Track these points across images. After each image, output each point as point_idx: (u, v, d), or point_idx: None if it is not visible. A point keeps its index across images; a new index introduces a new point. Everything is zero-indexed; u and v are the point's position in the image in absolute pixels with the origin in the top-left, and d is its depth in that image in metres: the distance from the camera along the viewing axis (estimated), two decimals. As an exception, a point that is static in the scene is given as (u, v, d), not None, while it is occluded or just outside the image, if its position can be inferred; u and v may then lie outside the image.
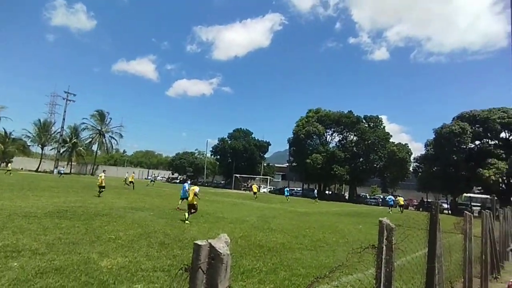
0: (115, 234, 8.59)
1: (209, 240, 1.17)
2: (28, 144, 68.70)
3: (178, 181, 62.44)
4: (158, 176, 75.06)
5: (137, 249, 7.20)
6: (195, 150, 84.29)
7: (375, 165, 54.52)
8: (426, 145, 51.14)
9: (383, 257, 2.93)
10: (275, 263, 7.16)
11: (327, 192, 61.45)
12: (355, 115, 58.09)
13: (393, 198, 35.69)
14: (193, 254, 1.17)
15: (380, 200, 50.41)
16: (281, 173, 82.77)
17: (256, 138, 73.57)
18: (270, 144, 73.53)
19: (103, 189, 19.76)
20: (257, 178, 67.65)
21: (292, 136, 61.27)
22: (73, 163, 69.98)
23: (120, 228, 9.46)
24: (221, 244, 1.16)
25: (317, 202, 39.72)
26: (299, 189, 64.71)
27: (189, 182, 16.59)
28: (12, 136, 64.57)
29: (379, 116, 59.15)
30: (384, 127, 58.43)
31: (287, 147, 66.16)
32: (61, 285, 4.66)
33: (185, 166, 75.46)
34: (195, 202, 12.20)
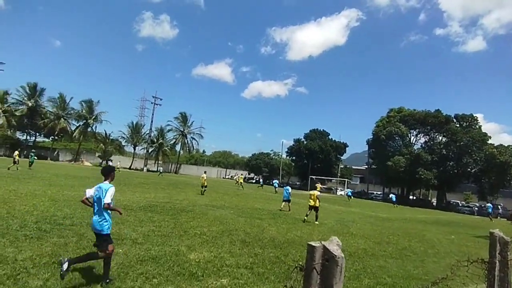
0: (200, 229, 9.12)
1: (323, 242, 1.14)
2: (123, 144, 77.52)
3: (254, 181, 64.00)
4: (235, 175, 77.82)
5: (220, 245, 7.54)
6: (271, 150, 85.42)
7: (469, 169, 48.99)
8: (534, 147, 44.31)
9: (496, 273, 2.59)
10: (358, 269, 6.86)
11: (411, 197, 57.09)
12: (444, 114, 52.95)
13: (491, 206, 31.98)
14: (307, 255, 1.16)
15: (476, 208, 44.84)
16: (359, 175, 79.31)
17: (333, 139, 71.77)
18: (347, 145, 71.09)
19: (206, 188, 22.68)
20: (333, 180, 65.86)
21: (372, 137, 58.36)
22: (159, 162, 76.47)
23: (203, 224, 10.02)
24: (335, 246, 1.13)
25: (396, 207, 37.28)
26: (379, 192, 61.27)
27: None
28: (111, 137, 73.34)
29: (474, 115, 52.94)
30: (480, 126, 52.14)
31: (366, 148, 63.27)
32: (158, 272, 5.10)
33: (261, 167, 76.84)
34: (317, 205, 14.14)
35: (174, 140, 75.84)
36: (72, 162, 62.71)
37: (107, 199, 4.78)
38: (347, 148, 71.34)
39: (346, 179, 63.43)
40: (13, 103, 62.03)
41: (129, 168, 67.21)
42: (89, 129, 67.63)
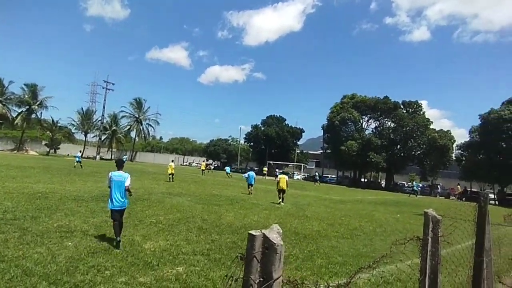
0: (156, 218, 8.98)
1: (263, 231, 1.18)
2: (73, 131, 72.94)
3: (212, 167, 63.60)
4: (193, 162, 76.98)
5: (177, 233, 7.50)
6: (229, 137, 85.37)
7: (413, 152, 52.48)
8: (470, 132, 48.47)
9: (429, 249, 2.84)
10: (311, 250, 7.17)
11: (362, 179, 60.16)
12: (392, 100, 55.88)
13: (419, 185, 36.54)
14: (247, 244, 1.19)
15: (419, 188, 48.54)
16: (315, 160, 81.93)
17: (290, 125, 73.20)
18: (303, 131, 72.87)
19: (173, 176, 23.72)
20: (290, 165, 67.44)
21: (327, 122, 60.15)
22: (113, 150, 73.31)
23: (160, 213, 9.87)
24: (274, 234, 1.17)
25: (319, 185, 42.44)
26: (333, 176, 63.82)
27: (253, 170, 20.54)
28: (59, 124, 68.47)
29: (419, 102, 56.41)
30: (424, 112, 55.73)
31: (321, 133, 65.22)
32: (110, 264, 4.97)
33: (219, 153, 76.73)
34: (284, 187, 15.71)
35: (129, 126, 72.96)
36: (15, 151, 58.12)
37: (128, 183, 6.45)
38: (303, 134, 73.29)
39: (302, 164, 65.27)
40: None
41: (80, 157, 63.74)
42: (33, 116, 62.63)
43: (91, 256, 5.27)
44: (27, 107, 60.84)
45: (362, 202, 22.71)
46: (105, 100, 66.39)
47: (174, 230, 7.77)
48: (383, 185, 57.75)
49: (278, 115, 75.16)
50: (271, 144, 68.58)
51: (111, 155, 70.57)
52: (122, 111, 71.67)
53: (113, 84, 67.58)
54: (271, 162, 61.63)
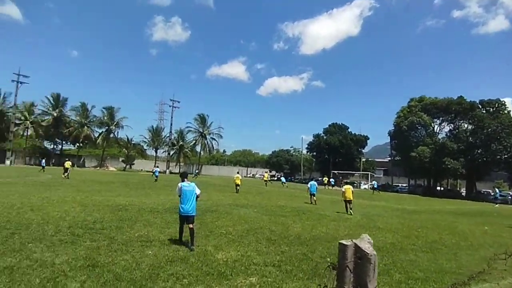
0: (225, 229, 9.23)
1: (354, 240, 1.15)
2: (145, 148, 79.23)
3: (275, 178, 63.64)
4: (256, 174, 77.96)
5: (246, 244, 7.61)
6: (290, 147, 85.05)
7: (498, 156, 46.94)
8: None
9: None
10: (387, 264, 6.77)
11: (438, 188, 55.46)
12: (468, 100, 51.08)
13: (499, 192, 32.35)
14: (339, 253, 1.17)
15: (510, 197, 42.87)
16: (383, 168, 77.76)
17: (353, 132, 70.64)
18: (368, 138, 69.69)
19: (239, 187, 24.71)
20: (356, 174, 64.85)
21: (393, 128, 56.93)
22: (181, 164, 77.52)
23: (228, 224, 10.12)
24: (366, 244, 1.13)
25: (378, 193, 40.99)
26: (404, 185, 59.84)
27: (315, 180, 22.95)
28: (133, 142, 75.02)
29: (501, 99, 50.67)
30: (509, 111, 49.83)
31: (388, 140, 61.86)
32: (187, 273, 5.20)
33: (281, 164, 76.71)
34: (351, 197, 15.77)
35: (194, 141, 76.78)
36: (98, 168, 64.59)
37: (198, 192, 7.40)
38: (368, 141, 70.12)
39: (369, 173, 62.30)
40: (39, 114, 64.55)
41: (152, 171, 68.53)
42: (111, 135, 69.43)
43: (169, 265, 5.58)
44: (106, 127, 67.61)
45: (440, 212, 20.89)
46: (172, 117, 70.93)
47: (244, 241, 7.90)
48: (463, 194, 52.52)
49: (340, 123, 73.16)
50: (335, 153, 66.72)
51: (179, 169, 74.62)
52: (187, 127, 75.87)
53: (179, 102, 72.06)
54: (335, 171, 59.85)
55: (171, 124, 71.45)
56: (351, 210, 15.46)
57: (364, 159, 68.91)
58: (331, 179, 51.36)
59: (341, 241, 1.13)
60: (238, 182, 25.02)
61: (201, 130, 75.07)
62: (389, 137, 59.90)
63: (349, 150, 66.41)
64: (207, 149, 77.93)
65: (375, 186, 45.65)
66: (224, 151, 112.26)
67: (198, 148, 79.32)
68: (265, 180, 42.26)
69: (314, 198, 19.62)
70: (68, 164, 28.85)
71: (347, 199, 15.68)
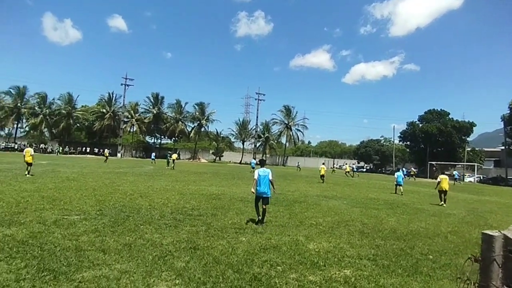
0: (315, 220, 9.13)
1: (502, 231, 0.97)
2: (233, 140, 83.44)
3: (364, 170, 60.67)
4: (343, 165, 75.52)
5: (338, 235, 7.41)
6: (381, 137, 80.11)
7: None
8: None
9: None
10: None
11: None
12: None
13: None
14: (482, 245, 1.00)
15: None
16: (494, 158, 67.91)
17: (454, 119, 63.11)
18: (474, 125, 60.97)
19: (324, 177, 25.70)
20: (459, 165, 57.86)
21: (508, 112, 49.16)
22: (267, 155, 79.37)
23: (318, 215, 9.99)
24: (520, 236, 0.94)
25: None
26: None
27: (404, 170, 21.51)
28: (222, 135, 79.65)
29: None
30: None
31: (499, 126, 53.71)
32: (281, 261, 5.28)
33: (370, 155, 72.74)
34: (446, 188, 15.18)
35: (279, 133, 77.80)
36: (191, 160, 70.07)
37: (271, 177, 8.30)
38: (474, 128, 61.67)
39: (476, 164, 55.00)
40: (142, 112, 72.70)
41: (240, 163, 71.68)
42: (202, 129, 74.55)
43: (263, 252, 5.73)
44: (198, 122, 72.81)
45: None
46: (257, 110, 73.12)
47: (335, 232, 7.71)
48: None
49: (439, 109, 66.08)
50: (432, 143, 60.36)
51: (266, 160, 76.34)
52: (273, 119, 77.29)
53: (264, 94, 73.95)
54: (433, 162, 54.41)
55: (257, 117, 73.75)
56: (442, 202, 14.98)
57: (469, 148, 61.07)
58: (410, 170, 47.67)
59: (485, 232, 0.96)
60: (323, 172, 25.77)
61: (286, 122, 75.67)
62: (502, 122, 52.00)
63: (449, 138, 59.16)
64: (293, 140, 78.31)
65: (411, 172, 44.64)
66: (309, 142, 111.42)
67: (283, 140, 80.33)
68: (347, 172, 42.15)
69: (401, 189, 19.37)
70: (174, 156, 33.48)
71: (442, 190, 15.20)
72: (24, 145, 58.26)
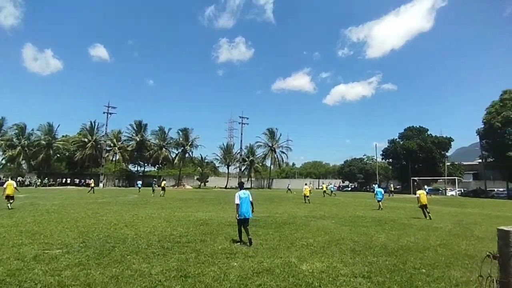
0: (306, 240, 9.02)
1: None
2: (217, 165, 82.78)
3: (349, 189, 61.11)
4: (330, 185, 75.90)
5: (330, 255, 7.32)
6: (363, 155, 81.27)
7: None
8: None
9: None
10: (497, 277, 5.92)
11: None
12: None
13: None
14: (499, 241, 1.01)
15: None
16: (472, 171, 69.81)
17: (433, 135, 64.99)
18: (452, 140, 63.02)
19: (308, 198, 25.48)
20: (440, 180, 59.18)
21: (483, 126, 51.06)
22: (252, 179, 79.05)
23: (308, 235, 9.89)
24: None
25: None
26: (501, 189, 52.88)
27: (379, 186, 22.80)
28: (206, 160, 78.96)
29: None
30: None
31: (475, 140, 55.67)
32: (275, 284, 5.15)
33: (355, 173, 73.52)
34: (425, 202, 15.71)
35: (264, 155, 77.98)
36: (176, 187, 68.90)
37: (251, 198, 8.70)
38: (452, 143, 63.68)
39: (456, 177, 56.37)
40: (125, 140, 71.75)
41: (225, 188, 70.97)
42: (186, 155, 73.90)
43: (256, 276, 5.58)
44: (182, 148, 72.26)
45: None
46: (241, 134, 73.53)
47: (327, 252, 7.62)
48: None
49: (418, 126, 68.12)
50: (413, 159, 61.77)
51: (251, 184, 76.08)
52: (257, 142, 77.79)
53: (247, 118, 74.58)
54: (415, 178, 55.49)
55: (241, 140, 74.02)
56: (429, 215, 15.47)
57: (448, 163, 62.70)
58: (425, 186, 48.10)
59: (501, 228, 0.97)
60: (307, 193, 25.73)
61: (270, 144, 76.16)
62: (478, 137, 53.87)
63: (430, 154, 60.80)
64: (277, 162, 78.58)
65: (388, 189, 46.32)
66: (293, 164, 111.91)
67: (268, 163, 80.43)
68: (324, 191, 41.18)
69: (380, 204, 20.41)
70: (164, 183, 33.50)
71: (423, 204, 15.75)
72: (1, 178, 56.19)
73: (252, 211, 8.78)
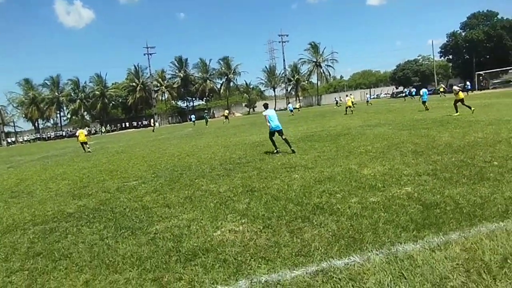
0: (364, 148, 8.95)
1: None
2: (263, 89, 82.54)
3: (403, 94, 57.74)
4: (381, 94, 72.49)
5: (391, 158, 7.23)
6: (418, 56, 74.23)
7: None
8: None
9: None
10: None
11: None
12: None
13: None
14: None
15: None
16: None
17: (505, 18, 55.91)
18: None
19: (351, 108, 26.92)
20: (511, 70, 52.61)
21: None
22: (300, 97, 78.05)
23: (365, 143, 9.78)
24: None
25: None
26: None
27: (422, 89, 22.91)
28: (251, 86, 78.94)
29: None
30: None
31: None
32: (338, 189, 5.28)
33: (409, 77, 68.33)
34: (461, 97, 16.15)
35: (309, 72, 75.54)
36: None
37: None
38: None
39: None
40: (169, 78, 73.31)
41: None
42: (231, 84, 74.21)
43: (319, 184, 5.75)
44: (226, 77, 72.36)
45: None
46: (283, 53, 70.94)
47: (387, 156, 7.53)
48: None
49: (484, 11, 59.28)
50: (479, 51, 54.64)
51: (300, 104, 75.40)
52: (300, 59, 74.93)
53: (287, 35, 70.96)
54: (481, 72, 50.11)
55: (284, 60, 71.86)
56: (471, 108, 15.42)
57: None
58: (467, 83, 43.67)
59: None
60: (350, 104, 26.52)
61: (315, 60, 72.97)
62: None
63: (500, 41, 52.87)
64: (324, 77, 75.99)
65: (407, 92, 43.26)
66: (341, 77, 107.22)
67: (314, 79, 78.12)
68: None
69: (426, 105, 20.51)
70: (226, 112, 37.58)
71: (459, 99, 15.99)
72: (70, 131, 61.96)
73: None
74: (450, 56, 62.45)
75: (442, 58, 65.39)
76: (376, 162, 6.98)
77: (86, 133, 19.81)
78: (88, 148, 18.84)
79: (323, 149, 9.61)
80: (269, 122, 9.89)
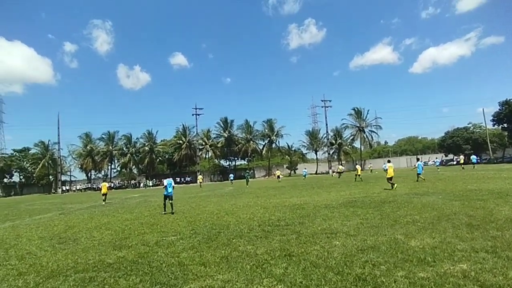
0: (411, 217, 8.42)
1: None
2: (305, 152, 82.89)
3: (455, 162, 54.47)
4: (428, 160, 69.30)
5: (442, 230, 6.70)
6: (468, 124, 71.44)
7: None
8: None
9: None
10: None
11: None
12: None
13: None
14: None
15: None
16: None
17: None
18: None
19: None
20: None
21: None
22: (342, 162, 76.80)
23: (413, 212, 9.22)
24: None
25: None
26: None
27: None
28: (293, 148, 79.68)
29: None
30: None
31: None
32: (383, 260, 4.92)
33: (459, 145, 65.17)
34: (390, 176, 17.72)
35: (352, 137, 75.11)
36: (266, 177, 70.95)
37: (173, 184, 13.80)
38: None
39: None
40: (214, 138, 76.46)
41: (316, 173, 70.47)
42: (273, 145, 75.44)
43: (361, 253, 5.42)
44: (268, 139, 73.99)
45: None
46: (326, 117, 71.92)
47: (437, 227, 6.99)
48: None
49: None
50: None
51: (342, 166, 74.00)
52: (343, 123, 75.18)
53: (330, 101, 72.55)
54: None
55: (326, 124, 72.57)
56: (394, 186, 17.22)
57: None
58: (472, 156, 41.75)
59: None
60: (359, 172, 29.11)
61: (358, 124, 72.88)
62: None
63: None
64: (367, 142, 74.96)
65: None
66: (386, 143, 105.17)
67: (357, 144, 77.32)
68: (338, 172, 39.30)
69: (421, 177, 21.75)
70: (278, 172, 39.90)
71: (388, 177, 17.75)
72: (118, 183, 65.01)
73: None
74: (505, 125, 59.21)
75: (496, 126, 62.13)
76: (425, 234, 6.49)
77: (107, 186, 23.43)
78: (104, 199, 22.33)
79: (366, 216, 9.17)
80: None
